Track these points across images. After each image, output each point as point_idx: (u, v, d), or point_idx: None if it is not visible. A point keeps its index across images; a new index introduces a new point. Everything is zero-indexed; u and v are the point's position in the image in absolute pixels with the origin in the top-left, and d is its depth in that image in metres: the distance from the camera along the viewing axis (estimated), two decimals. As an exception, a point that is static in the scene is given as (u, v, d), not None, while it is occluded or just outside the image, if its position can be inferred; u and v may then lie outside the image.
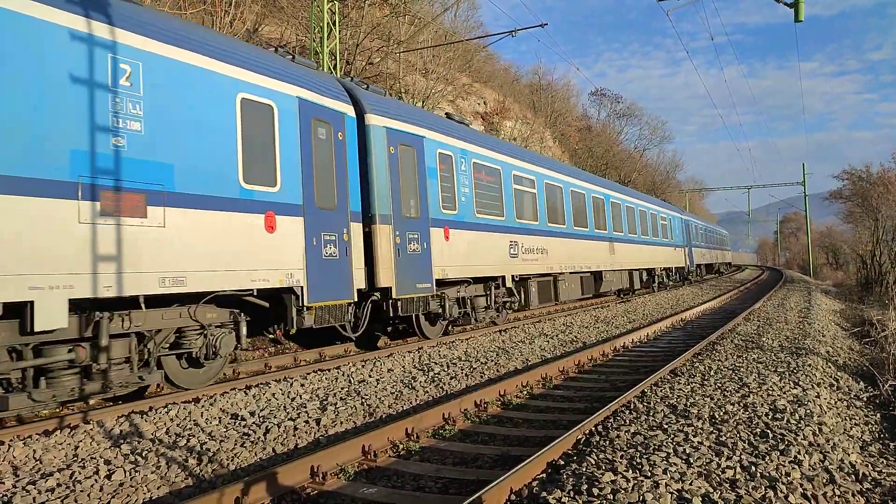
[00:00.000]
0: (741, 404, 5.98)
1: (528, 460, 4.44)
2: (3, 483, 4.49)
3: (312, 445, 5.52)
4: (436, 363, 9.08)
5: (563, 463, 4.59)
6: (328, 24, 18.62)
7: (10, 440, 5.33)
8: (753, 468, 4.20)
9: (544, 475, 4.38)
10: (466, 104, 35.83)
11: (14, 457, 4.94)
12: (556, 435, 5.42)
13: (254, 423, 5.96)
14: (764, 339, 10.64)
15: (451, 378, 8.10)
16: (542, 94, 50.83)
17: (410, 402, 6.95)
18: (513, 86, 47.42)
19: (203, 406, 6.43)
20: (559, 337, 12.06)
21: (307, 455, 4.79)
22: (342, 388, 7.42)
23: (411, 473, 4.82)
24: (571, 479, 4.05)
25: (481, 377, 8.30)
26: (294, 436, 5.63)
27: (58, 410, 6.86)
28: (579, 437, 5.21)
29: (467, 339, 11.39)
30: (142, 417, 5.98)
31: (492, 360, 9.36)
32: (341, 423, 6.10)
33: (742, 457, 4.43)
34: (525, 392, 7.51)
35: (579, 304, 21.76)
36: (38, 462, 4.92)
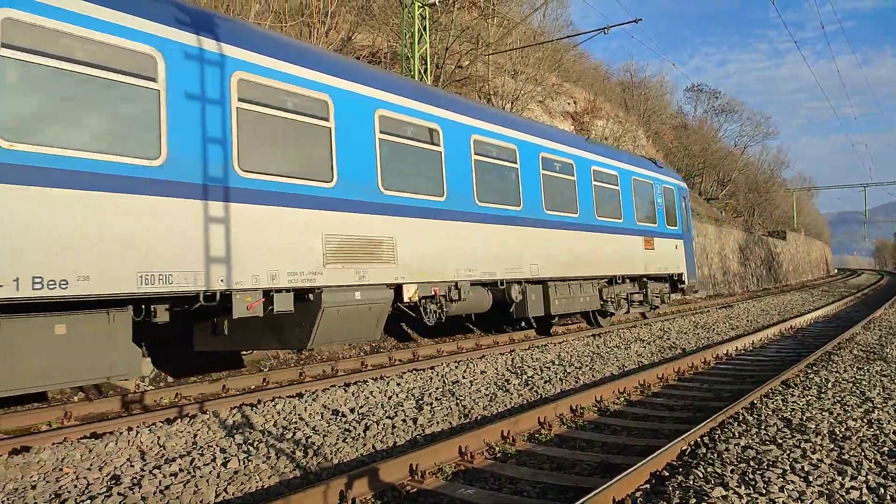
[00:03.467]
0: (865, 420, 5.53)
1: (630, 469, 4.32)
2: (133, 466, 4.89)
3: (410, 444, 5.63)
4: (528, 366, 9.01)
5: (667, 474, 4.42)
6: (419, 29, 18.95)
7: (138, 426, 5.81)
8: (882, 490, 3.88)
9: (648, 486, 4.24)
10: (556, 104, 35.38)
11: (141, 442, 5.37)
12: (658, 444, 5.23)
13: (354, 419, 6.16)
14: (888, 350, 9.78)
15: (545, 382, 8.01)
16: (635, 91, 49.32)
17: (504, 405, 6.94)
18: (603, 84, 46.31)
19: (306, 401, 6.72)
20: (656, 343, 11.64)
21: (406, 453, 4.89)
22: (437, 389, 7.52)
23: (508, 476, 4.81)
24: (678, 492, 3.90)
25: (576, 382, 8.15)
26: (392, 434, 5.77)
27: (176, 400, 7.40)
28: (684, 447, 5.00)
29: (560, 343, 11.23)
30: (252, 409, 6.33)
31: (586, 365, 9.17)
32: (437, 423, 6.18)
33: (869, 477, 4.09)
34: (622, 398, 7.31)
35: (677, 309, 20.90)
36: (161, 448, 5.32)
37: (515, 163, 10.85)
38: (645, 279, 15.39)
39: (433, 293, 9.03)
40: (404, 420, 6.16)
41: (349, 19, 23.87)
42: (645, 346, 11.11)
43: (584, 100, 38.55)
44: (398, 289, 8.42)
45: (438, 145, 9.29)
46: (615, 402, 7.13)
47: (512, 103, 27.22)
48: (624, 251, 14.15)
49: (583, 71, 43.68)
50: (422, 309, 9.19)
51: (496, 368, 8.84)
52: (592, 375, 8.54)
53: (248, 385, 8.28)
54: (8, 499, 4.33)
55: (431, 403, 6.77)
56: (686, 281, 17.28)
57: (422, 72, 19.03)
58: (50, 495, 4.35)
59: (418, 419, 6.17)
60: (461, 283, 9.46)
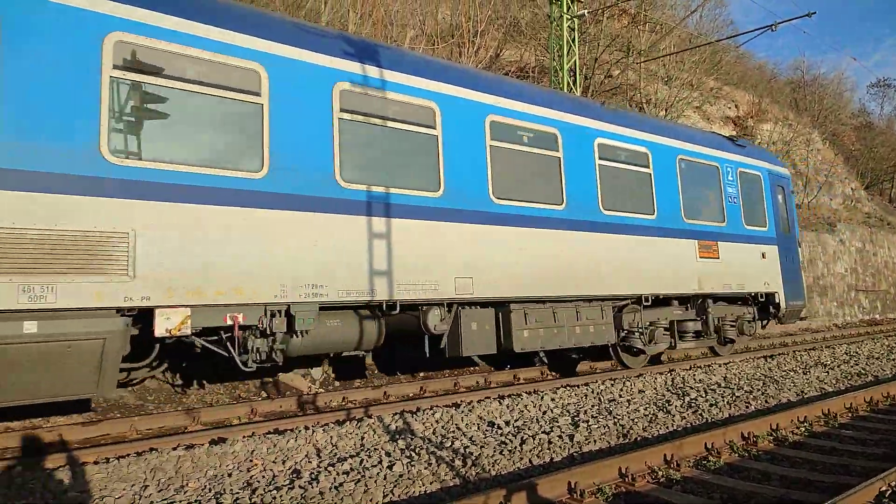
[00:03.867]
0: None
1: (818, 507, 3.91)
2: (311, 462, 5.33)
3: (567, 461, 5.55)
4: (691, 387, 8.50)
5: (864, 516, 3.95)
6: (567, 41, 18.82)
7: (313, 426, 6.32)
8: None
9: (841, 527, 3.81)
10: (714, 109, 33.21)
11: (317, 440, 5.84)
12: (849, 482, 4.69)
13: (509, 432, 6.20)
14: None
15: (711, 405, 7.50)
16: (807, 91, 44.83)
17: (666, 427, 6.60)
18: (769, 85, 42.67)
19: (462, 412, 6.89)
20: (841, 368, 10.42)
21: (564, 470, 4.83)
22: (592, 406, 7.34)
23: None
24: (880, 537, 3.46)
25: (746, 407, 7.54)
26: (549, 449, 5.73)
27: (343, 403, 7.94)
28: (883, 488, 4.43)
29: (726, 364, 10.45)
30: (412, 416, 6.62)
31: (757, 389, 8.45)
32: (594, 441, 6.03)
33: None
34: (803, 429, 6.63)
35: (865, 331, 18.55)
36: (334, 447, 5.74)
37: (435, 128, 7.77)
38: (704, 300, 10.99)
39: (232, 322, 6.06)
40: (560, 436, 6.09)
41: (497, 37, 24.33)
42: (827, 372, 9.99)
43: (747, 102, 35.79)
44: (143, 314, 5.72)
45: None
46: (794, 432, 6.49)
47: (666, 111, 26.01)
48: (658, 260, 10.00)
49: (745, 72, 40.61)
50: (229, 345, 6.30)
51: (655, 388, 8.44)
52: (766, 401, 7.84)
53: (407, 392, 8.67)
54: (209, 483, 4.92)
55: (588, 421, 6.63)
56: (783, 304, 12.28)
57: (571, 84, 18.86)
58: (243, 483, 4.88)
59: (574, 436, 6.07)
60: (298, 307, 6.43)
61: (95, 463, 5.25)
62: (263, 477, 5.01)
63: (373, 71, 7.35)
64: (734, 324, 11.41)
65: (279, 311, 6.33)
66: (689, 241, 10.59)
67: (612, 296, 9.36)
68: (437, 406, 7.28)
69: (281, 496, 4.53)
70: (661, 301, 10.26)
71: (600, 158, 9.45)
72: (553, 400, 7.53)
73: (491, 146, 8.21)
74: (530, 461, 5.48)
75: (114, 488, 4.76)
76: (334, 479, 4.89)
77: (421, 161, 7.57)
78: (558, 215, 8.75)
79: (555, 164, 8.87)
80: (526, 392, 7.99)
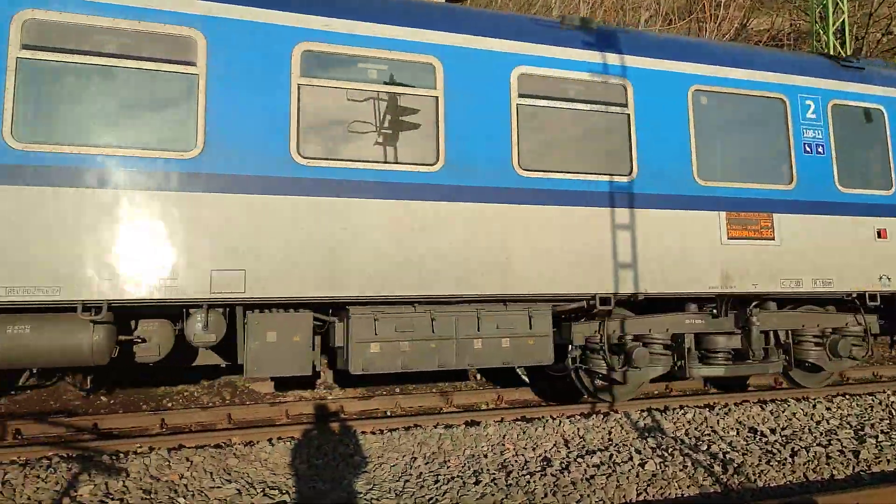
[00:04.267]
0: None
1: None
2: (560, 451, 5.44)
3: (852, 480, 4.85)
4: None
5: None
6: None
7: (559, 416, 6.44)
8: None
9: None
10: None
11: (564, 431, 5.93)
12: None
13: (776, 441, 5.61)
14: None
15: None
16: None
17: None
18: None
19: (717, 414, 6.42)
20: None
21: (850, 490, 4.25)
22: (881, 420, 6.30)
23: None
24: None
25: None
26: (828, 465, 5.06)
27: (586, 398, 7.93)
28: None
29: None
30: (661, 415, 6.37)
31: None
32: (887, 460, 5.17)
33: None
34: None
35: None
36: (581, 439, 5.78)
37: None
38: (749, 302, 7.24)
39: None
40: (841, 451, 5.33)
41: (744, 5, 22.00)
42: None
43: None
44: None
45: None
46: None
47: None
48: (641, 242, 6.75)
49: None
50: None
51: (969, 405, 6.93)
52: None
53: (652, 390, 8.35)
54: (467, 462, 5.30)
55: (876, 436, 5.70)
56: None
57: (838, 46, 16.28)
58: (498, 465, 5.16)
59: (860, 452, 5.27)
60: None
61: (372, 433, 6.00)
62: (516, 461, 5.24)
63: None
64: (819, 341, 7.53)
65: None
66: (710, 214, 7.09)
67: (550, 295, 6.53)
68: (686, 406, 6.89)
69: (534, 481, 4.70)
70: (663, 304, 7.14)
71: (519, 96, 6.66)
72: (829, 409, 6.62)
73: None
74: (805, 475, 4.90)
75: (388, 457, 5.40)
76: (584, 470, 4.92)
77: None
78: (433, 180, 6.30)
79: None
80: (794, 399, 7.14)
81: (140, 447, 5.64)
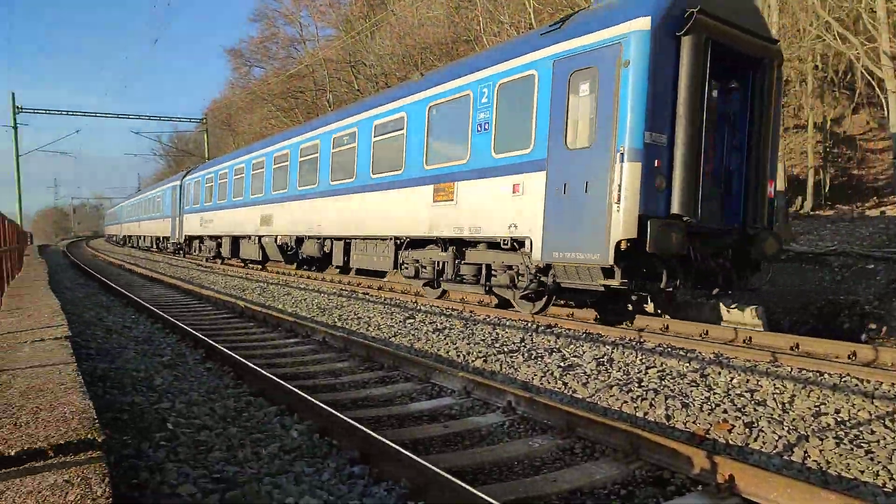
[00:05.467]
0: None
1: None
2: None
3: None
4: None
5: None
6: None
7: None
8: None
9: None
10: None
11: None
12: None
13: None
14: None
15: None
16: None
17: None
18: None
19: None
20: None
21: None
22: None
23: None
24: None
25: None
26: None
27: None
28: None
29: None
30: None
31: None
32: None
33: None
34: None
35: None
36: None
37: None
38: (462, 245, 10.33)
39: None
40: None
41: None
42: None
43: None
44: None
45: None
46: None
47: None
48: (403, 208, 11.36)
49: None
50: None
51: None
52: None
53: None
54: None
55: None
56: (538, 254, 8.33)
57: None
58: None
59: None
60: None
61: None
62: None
63: None
64: (498, 274, 9.58)
65: None
66: (427, 187, 10.50)
67: (388, 236, 11.95)
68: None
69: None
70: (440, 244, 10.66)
71: (374, 136, 12.36)
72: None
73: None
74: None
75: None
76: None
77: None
78: (349, 185, 13.17)
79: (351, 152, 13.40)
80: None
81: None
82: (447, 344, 7.24)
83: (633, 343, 7.16)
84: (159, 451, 3.64)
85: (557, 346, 6.94)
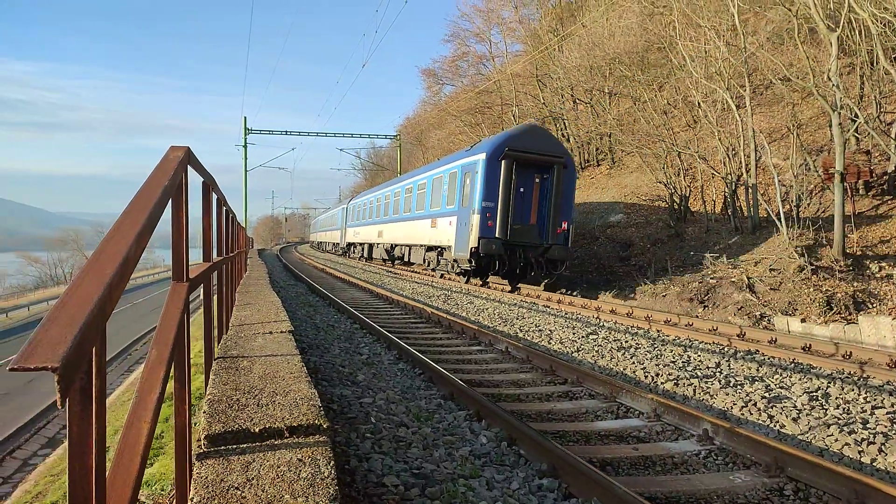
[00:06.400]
0: None
1: None
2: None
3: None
4: None
5: None
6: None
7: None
8: None
9: None
10: None
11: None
12: None
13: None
14: None
15: None
16: None
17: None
18: None
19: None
20: None
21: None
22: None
23: None
24: None
25: None
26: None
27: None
28: None
29: None
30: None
31: None
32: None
33: None
34: None
35: None
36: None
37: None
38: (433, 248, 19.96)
39: None
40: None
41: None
42: None
43: None
44: None
45: None
46: None
47: None
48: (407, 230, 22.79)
49: None
50: None
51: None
52: None
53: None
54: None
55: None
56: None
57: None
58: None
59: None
60: None
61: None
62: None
63: None
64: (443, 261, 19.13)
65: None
66: (425, 221, 20.18)
67: (420, 244, 20.97)
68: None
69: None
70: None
71: (416, 190, 21.77)
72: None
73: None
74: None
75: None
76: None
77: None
78: (405, 216, 22.95)
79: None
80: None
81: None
82: (633, 363, 6.98)
83: (855, 378, 6.31)
84: (366, 442, 3.98)
85: (760, 375, 6.37)
